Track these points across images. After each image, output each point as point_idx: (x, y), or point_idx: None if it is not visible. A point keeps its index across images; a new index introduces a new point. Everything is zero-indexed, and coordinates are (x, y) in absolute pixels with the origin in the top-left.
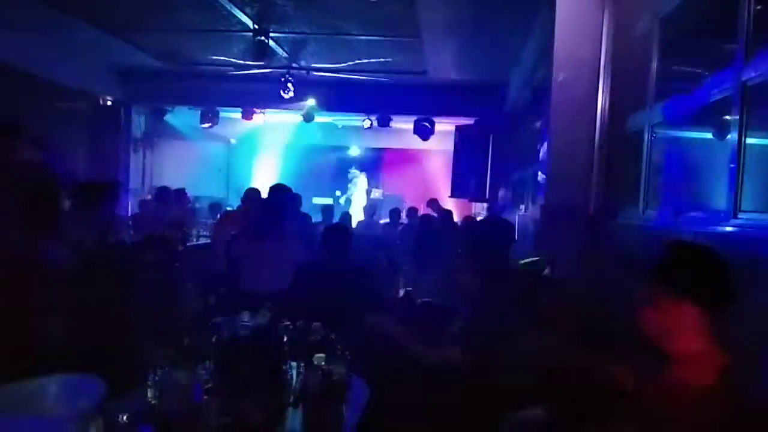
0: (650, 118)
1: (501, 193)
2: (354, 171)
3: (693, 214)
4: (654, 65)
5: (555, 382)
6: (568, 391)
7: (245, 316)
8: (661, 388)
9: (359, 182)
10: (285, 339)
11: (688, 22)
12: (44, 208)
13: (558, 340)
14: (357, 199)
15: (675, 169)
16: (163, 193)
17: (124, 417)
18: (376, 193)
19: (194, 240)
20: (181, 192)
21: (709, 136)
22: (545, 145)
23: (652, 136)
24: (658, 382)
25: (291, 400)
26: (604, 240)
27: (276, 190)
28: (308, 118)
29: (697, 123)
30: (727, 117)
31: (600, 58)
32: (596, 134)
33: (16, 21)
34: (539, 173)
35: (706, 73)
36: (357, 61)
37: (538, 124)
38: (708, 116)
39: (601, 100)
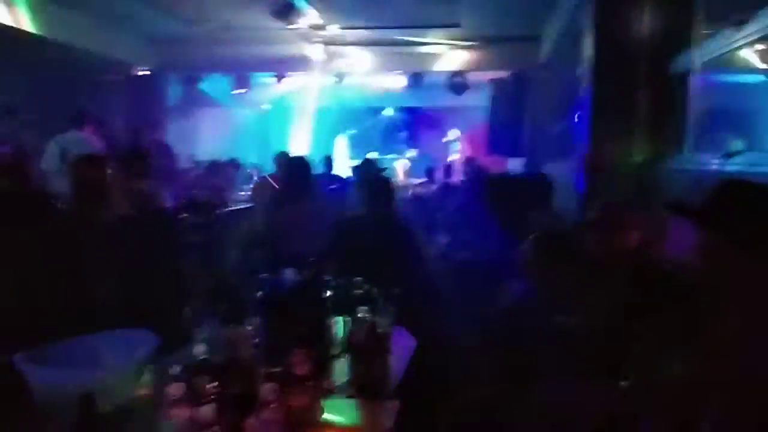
0: (698, 57)
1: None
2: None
3: (742, 156)
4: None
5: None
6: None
7: (289, 273)
8: (718, 333)
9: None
10: (328, 293)
11: None
12: (92, 178)
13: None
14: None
15: (723, 112)
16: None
17: (177, 368)
18: (413, 152)
19: (234, 205)
20: (234, 162)
21: (758, 77)
22: (586, 92)
23: (698, 77)
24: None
25: (338, 352)
26: (651, 186)
27: (297, 159)
28: (341, 79)
29: (747, 61)
30: None
31: None
32: (641, 77)
33: None
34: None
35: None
36: (389, 17)
37: (577, 71)
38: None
39: (646, 39)
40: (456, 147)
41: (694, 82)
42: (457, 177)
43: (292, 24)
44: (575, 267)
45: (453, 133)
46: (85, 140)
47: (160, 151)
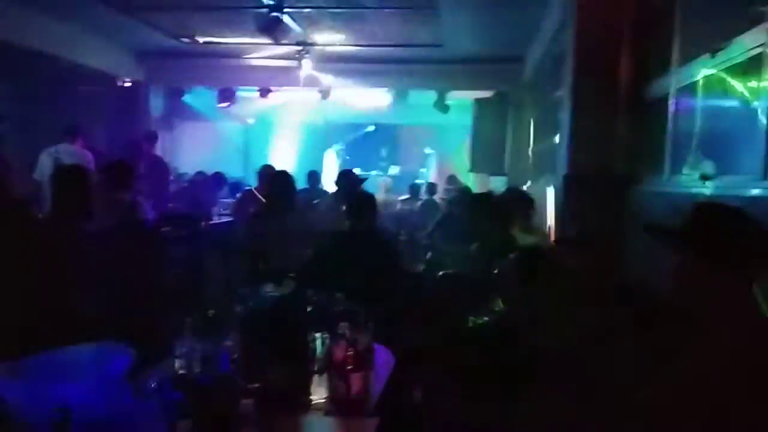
0: (675, 82)
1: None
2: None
3: (720, 178)
4: (678, 27)
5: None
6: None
7: (269, 287)
8: (696, 354)
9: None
10: (309, 309)
11: None
12: (74, 189)
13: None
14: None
15: (700, 135)
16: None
17: (154, 383)
18: (395, 170)
19: (216, 218)
20: (217, 175)
21: (735, 102)
22: (566, 114)
23: (677, 101)
24: (691, 348)
25: (316, 368)
26: (628, 207)
27: (281, 173)
28: (324, 95)
29: (723, 86)
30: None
31: (623, 21)
32: (619, 100)
33: (37, 4)
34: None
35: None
36: (373, 36)
37: (558, 93)
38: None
39: (625, 65)
40: (431, 164)
41: (672, 106)
42: (440, 194)
43: (277, 40)
44: (554, 287)
45: (428, 151)
46: (77, 152)
47: (154, 165)
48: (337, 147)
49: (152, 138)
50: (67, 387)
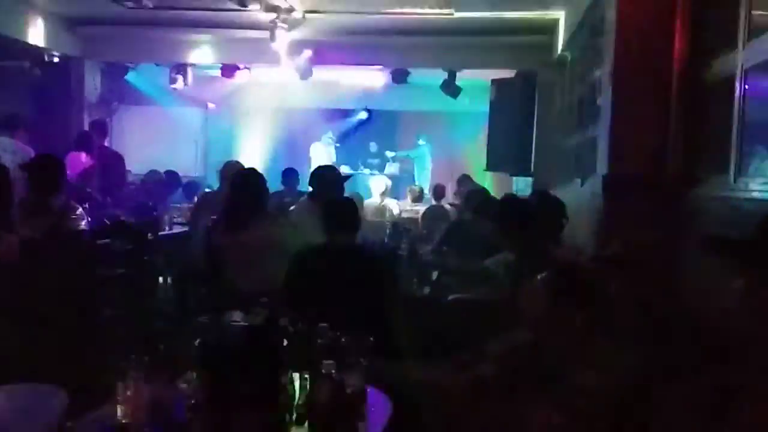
0: (743, 60)
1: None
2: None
3: None
4: None
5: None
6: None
7: (235, 316)
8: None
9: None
10: (285, 343)
11: None
12: None
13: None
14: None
15: None
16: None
17: None
18: (391, 168)
19: (167, 228)
20: (169, 175)
21: None
22: (607, 100)
23: (745, 83)
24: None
25: (294, 417)
26: (684, 216)
27: (249, 172)
28: (304, 74)
29: None
30: None
31: None
32: (672, 83)
33: None
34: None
35: None
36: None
37: (597, 73)
38: None
39: (679, 40)
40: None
41: (738, 90)
42: (449, 198)
43: (246, 6)
44: (592, 314)
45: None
46: (17, 148)
47: (108, 161)
48: (328, 137)
49: (103, 129)
50: None
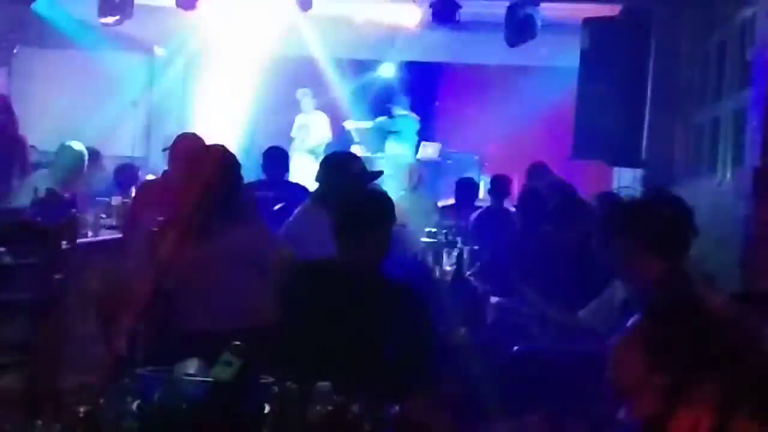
0: None
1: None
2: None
3: None
4: None
5: None
6: None
7: (191, 367)
8: None
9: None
10: (266, 409)
11: None
12: None
13: None
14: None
15: None
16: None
17: None
18: (429, 150)
19: (90, 233)
20: (93, 153)
21: None
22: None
23: None
24: None
25: None
26: None
27: (215, 150)
28: (304, 5)
29: None
30: None
31: None
32: None
33: None
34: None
35: None
36: None
37: (748, 11)
38: None
39: None
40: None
41: None
42: (513, 198)
43: None
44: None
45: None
46: None
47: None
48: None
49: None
50: None
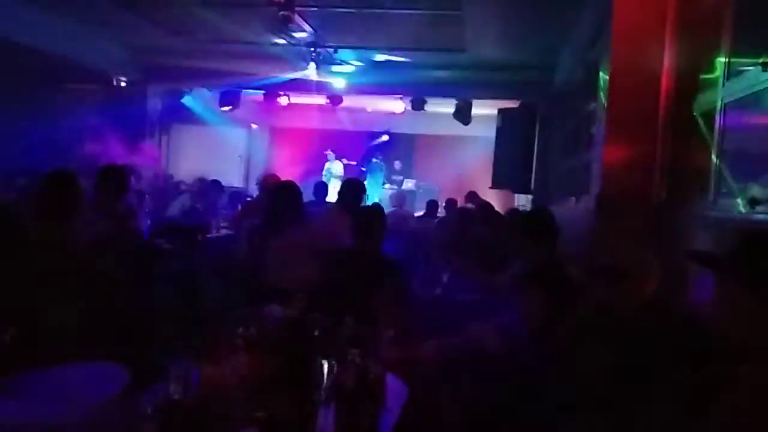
0: (722, 97)
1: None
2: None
3: None
4: (727, 36)
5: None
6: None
7: (274, 308)
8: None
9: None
10: (316, 333)
11: None
12: (62, 196)
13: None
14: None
15: (749, 156)
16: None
17: (148, 408)
18: (409, 184)
19: (215, 231)
20: (216, 184)
21: None
22: (600, 128)
23: (724, 116)
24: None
25: (323, 397)
26: (669, 234)
27: (287, 184)
28: (335, 101)
29: None
30: None
31: (664, 29)
32: (660, 114)
33: None
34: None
35: None
36: (390, 38)
37: (592, 105)
38: None
39: (666, 77)
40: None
41: (718, 123)
42: (457, 212)
43: (286, 40)
44: (585, 320)
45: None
46: None
47: (150, 170)
48: (346, 161)
49: (144, 139)
50: (58, 407)
